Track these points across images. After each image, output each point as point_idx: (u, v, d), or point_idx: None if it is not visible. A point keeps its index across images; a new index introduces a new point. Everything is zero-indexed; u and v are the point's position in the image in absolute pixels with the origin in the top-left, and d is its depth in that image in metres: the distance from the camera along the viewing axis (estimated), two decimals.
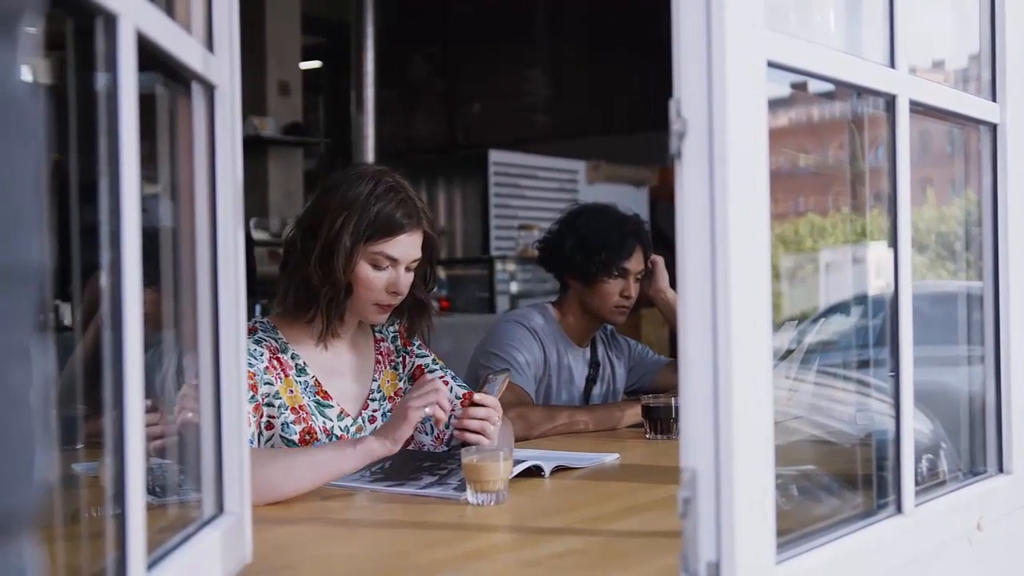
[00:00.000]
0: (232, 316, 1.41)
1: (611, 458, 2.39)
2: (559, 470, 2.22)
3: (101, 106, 1.04)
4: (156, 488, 1.38)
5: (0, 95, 0.56)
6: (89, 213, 1.05)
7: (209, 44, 1.37)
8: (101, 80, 1.03)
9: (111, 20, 1.01)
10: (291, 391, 2.22)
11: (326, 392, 2.28)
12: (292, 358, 2.26)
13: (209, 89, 1.37)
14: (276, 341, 2.26)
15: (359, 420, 2.32)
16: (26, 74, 0.59)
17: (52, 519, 1.09)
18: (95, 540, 1.27)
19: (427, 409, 2.02)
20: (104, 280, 1.02)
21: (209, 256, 1.38)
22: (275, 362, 2.22)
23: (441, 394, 2.05)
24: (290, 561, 1.60)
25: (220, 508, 1.39)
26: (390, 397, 2.40)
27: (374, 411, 2.36)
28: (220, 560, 1.33)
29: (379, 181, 2.24)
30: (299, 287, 2.24)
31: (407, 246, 2.25)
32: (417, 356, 2.47)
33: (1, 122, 0.56)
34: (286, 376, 2.23)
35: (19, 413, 0.57)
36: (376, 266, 2.23)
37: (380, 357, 2.42)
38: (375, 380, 2.39)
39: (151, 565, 1.11)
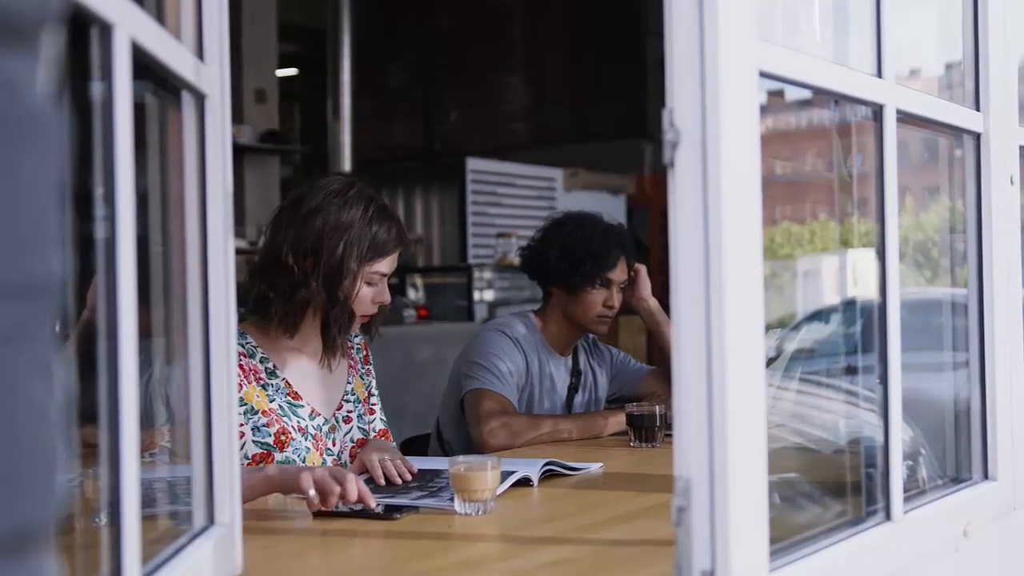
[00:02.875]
0: (222, 326, 1.40)
1: (596, 467, 2.39)
2: (548, 476, 2.22)
3: (95, 114, 1.03)
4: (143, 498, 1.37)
5: (21, 108, 0.56)
6: (82, 222, 1.05)
7: (200, 53, 1.37)
8: (95, 88, 1.03)
9: (106, 29, 1.01)
10: (258, 395, 2.27)
11: (296, 393, 2.34)
12: (261, 362, 2.32)
13: (200, 98, 1.37)
14: (243, 346, 2.29)
15: (332, 420, 2.39)
16: (46, 86, 0.59)
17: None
18: (84, 551, 1.26)
19: (311, 492, 1.85)
20: (99, 290, 1.02)
21: (199, 266, 1.37)
22: (238, 368, 2.23)
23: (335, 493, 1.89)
24: (280, 572, 1.59)
25: (211, 519, 1.39)
26: (363, 400, 2.49)
27: (348, 411, 2.44)
28: (211, 571, 1.33)
29: (368, 202, 2.32)
30: (300, 308, 2.30)
31: (394, 260, 2.37)
32: (372, 376, 2.58)
33: (23, 136, 0.56)
34: (249, 382, 2.28)
35: (42, 427, 0.57)
36: (369, 283, 2.33)
37: (352, 362, 2.50)
38: (349, 383, 2.47)
39: None
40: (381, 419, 2.55)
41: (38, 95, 0.58)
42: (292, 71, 10.30)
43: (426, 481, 2.16)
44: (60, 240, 0.59)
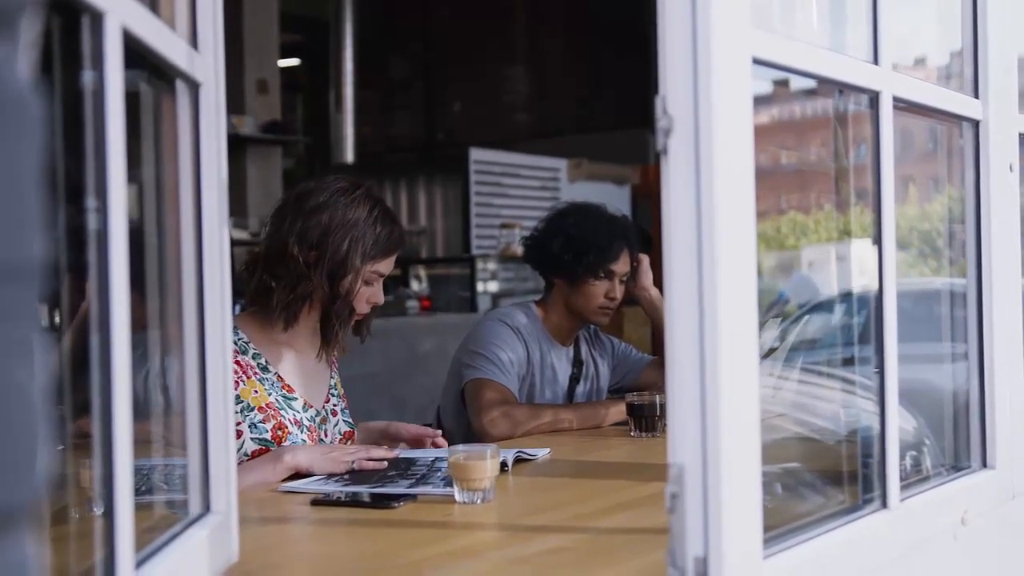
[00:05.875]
0: (218, 316, 1.40)
1: (544, 452, 2.43)
2: (518, 461, 2.27)
3: (87, 103, 1.03)
4: (140, 487, 1.38)
5: (2, 93, 0.56)
6: (71, 212, 1.05)
7: (194, 42, 1.37)
8: (87, 77, 1.03)
9: (97, 17, 1.01)
10: (255, 391, 2.30)
11: (289, 386, 2.37)
12: (253, 357, 2.34)
13: (194, 87, 1.37)
14: (235, 343, 2.30)
15: (323, 412, 2.44)
16: (26, 70, 0.59)
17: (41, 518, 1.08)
18: (79, 540, 1.26)
19: (354, 465, 2.17)
20: (91, 281, 1.02)
21: (194, 256, 1.38)
22: (234, 365, 2.25)
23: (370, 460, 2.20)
24: (276, 560, 1.60)
25: (207, 507, 1.39)
26: (342, 395, 2.54)
27: (334, 405, 2.49)
28: (207, 559, 1.33)
29: (374, 203, 2.37)
30: (301, 300, 2.32)
31: (392, 262, 2.42)
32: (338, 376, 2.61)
33: (2, 121, 0.56)
34: (248, 378, 2.30)
35: (23, 408, 0.58)
36: (367, 283, 2.36)
37: (333, 360, 2.54)
38: (332, 378, 2.52)
39: (139, 564, 1.11)
40: (346, 421, 2.56)
41: (17, 80, 0.58)
42: (294, 61, 10.29)
43: (404, 469, 2.17)
44: (40, 224, 0.60)
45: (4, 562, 0.56)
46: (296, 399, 2.36)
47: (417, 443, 2.48)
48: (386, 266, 2.39)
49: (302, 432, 2.32)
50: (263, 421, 2.27)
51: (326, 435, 2.41)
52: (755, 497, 1.23)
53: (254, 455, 2.24)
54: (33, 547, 0.60)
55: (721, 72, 1.18)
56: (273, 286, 2.31)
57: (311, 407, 2.39)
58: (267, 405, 2.29)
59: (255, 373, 2.31)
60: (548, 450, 2.45)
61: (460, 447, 1.98)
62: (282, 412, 2.31)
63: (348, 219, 2.31)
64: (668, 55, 1.20)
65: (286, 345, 2.39)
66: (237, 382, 2.25)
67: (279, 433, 2.28)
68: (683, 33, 1.19)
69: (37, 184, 0.59)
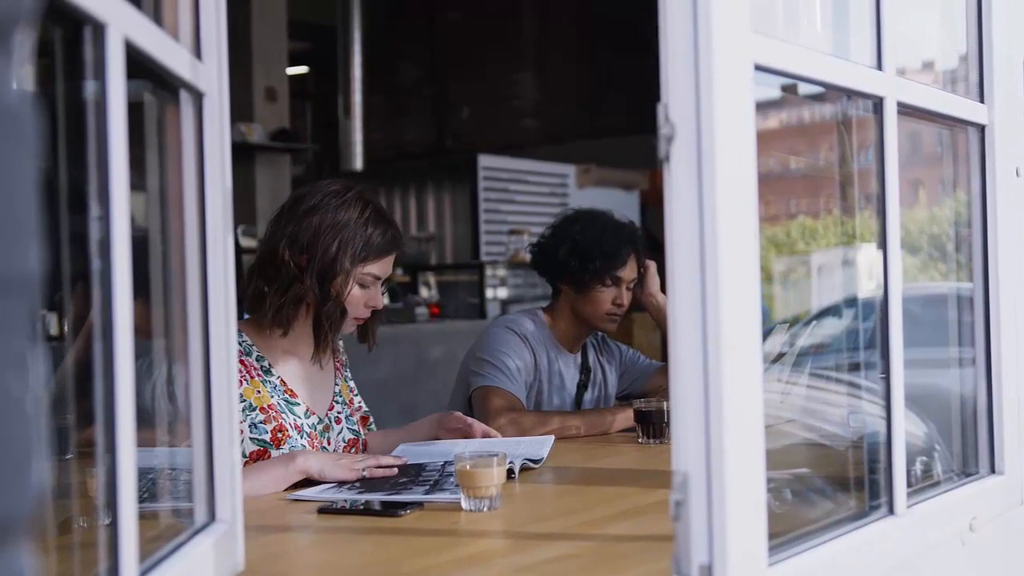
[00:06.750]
0: (222, 325, 1.40)
1: (548, 440, 2.47)
2: (524, 470, 2.27)
3: (89, 114, 1.04)
4: (145, 495, 1.38)
5: None
6: (77, 222, 1.05)
7: (197, 51, 1.37)
8: (89, 88, 1.03)
9: (99, 29, 1.01)
10: (258, 392, 2.31)
11: (292, 391, 2.37)
12: (257, 360, 2.35)
13: (197, 97, 1.37)
14: (240, 345, 2.31)
15: (326, 420, 2.43)
16: (21, 83, 0.59)
17: (43, 528, 1.09)
18: (85, 549, 1.26)
19: (364, 472, 2.17)
20: (94, 289, 1.02)
21: (199, 264, 1.38)
22: (238, 365, 2.25)
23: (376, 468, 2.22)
24: (282, 569, 1.60)
25: (212, 516, 1.39)
26: (348, 402, 2.53)
27: (338, 413, 2.49)
28: (212, 568, 1.33)
29: (366, 205, 2.36)
30: (293, 303, 2.32)
31: (390, 265, 2.40)
32: (350, 379, 2.61)
33: None
34: (252, 378, 2.31)
35: (17, 420, 0.58)
36: (362, 285, 2.36)
37: (338, 366, 2.54)
38: (336, 385, 2.51)
39: (143, 573, 1.11)
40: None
41: (12, 93, 0.58)
42: (303, 69, 10.30)
43: (415, 476, 2.17)
44: (37, 236, 0.60)
45: (2, 574, 0.56)
46: (299, 404, 2.37)
47: (465, 434, 2.51)
48: (380, 268, 2.37)
49: (302, 437, 2.32)
50: (264, 422, 2.28)
51: (329, 443, 2.41)
52: (760, 504, 1.23)
53: (252, 456, 2.24)
54: (30, 558, 0.60)
55: (722, 79, 1.18)
56: (266, 291, 2.31)
57: (313, 414, 2.39)
58: (269, 406, 2.30)
59: (258, 374, 2.32)
60: (552, 437, 2.48)
61: (467, 454, 1.98)
62: (283, 415, 2.31)
63: (338, 220, 2.31)
64: (670, 62, 1.20)
65: (288, 352, 2.40)
66: (240, 381, 2.25)
67: (279, 436, 2.28)
68: (684, 40, 1.19)
69: (33, 197, 0.59)
